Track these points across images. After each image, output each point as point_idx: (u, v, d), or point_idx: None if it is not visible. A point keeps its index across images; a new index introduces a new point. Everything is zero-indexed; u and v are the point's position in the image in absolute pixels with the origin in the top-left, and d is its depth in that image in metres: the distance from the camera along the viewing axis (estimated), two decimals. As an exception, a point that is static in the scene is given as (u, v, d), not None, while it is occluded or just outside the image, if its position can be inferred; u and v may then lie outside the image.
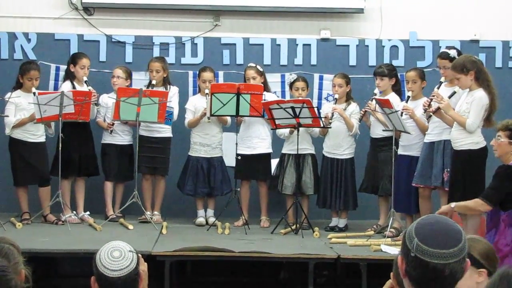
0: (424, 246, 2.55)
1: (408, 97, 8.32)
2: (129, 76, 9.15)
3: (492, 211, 6.31)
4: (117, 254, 3.21)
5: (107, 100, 8.99)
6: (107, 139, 9.11)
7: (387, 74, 8.58)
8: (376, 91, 8.62)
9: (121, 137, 9.11)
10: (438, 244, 2.54)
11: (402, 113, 8.09)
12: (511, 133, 6.22)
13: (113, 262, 3.18)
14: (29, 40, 9.65)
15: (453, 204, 6.45)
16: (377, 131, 8.55)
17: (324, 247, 7.79)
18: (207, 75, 8.99)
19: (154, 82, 8.97)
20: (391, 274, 3.11)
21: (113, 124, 8.90)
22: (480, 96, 7.29)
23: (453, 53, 8.08)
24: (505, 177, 6.15)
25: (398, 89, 8.72)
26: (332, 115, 8.67)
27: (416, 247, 2.56)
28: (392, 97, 8.44)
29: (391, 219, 8.09)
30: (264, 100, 8.67)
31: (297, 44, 9.85)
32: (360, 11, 9.74)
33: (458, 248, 2.55)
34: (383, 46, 9.85)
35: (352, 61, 9.83)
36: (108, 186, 9.15)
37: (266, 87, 9.00)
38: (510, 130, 6.23)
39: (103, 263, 3.19)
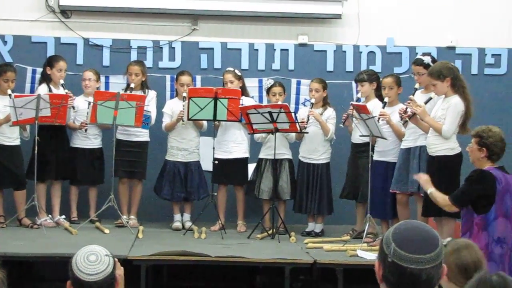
0: (401, 251, 2.57)
1: (385, 102, 8.35)
2: (99, 78, 9.12)
3: (466, 214, 6.37)
4: (93, 258, 3.20)
5: (81, 103, 8.92)
6: (76, 143, 9.05)
7: (367, 79, 8.61)
8: (359, 95, 8.66)
9: (90, 141, 9.06)
10: (415, 250, 2.56)
11: (379, 119, 8.12)
12: (480, 139, 6.29)
13: (89, 266, 3.18)
14: (5, 43, 9.59)
15: (429, 190, 6.54)
16: (357, 136, 8.56)
17: (301, 252, 7.80)
18: (185, 78, 8.99)
19: (132, 85, 8.94)
20: None
21: (86, 124, 8.85)
22: (455, 103, 7.34)
23: (427, 59, 8.12)
24: (475, 181, 6.23)
25: (381, 93, 8.74)
26: (308, 119, 8.69)
27: (393, 253, 2.58)
28: (375, 103, 8.47)
29: (367, 224, 8.12)
30: (242, 104, 8.67)
31: (274, 49, 9.87)
32: (338, 17, 9.77)
33: (435, 254, 2.57)
34: (361, 52, 9.89)
35: (330, 66, 9.86)
36: (73, 190, 9.12)
37: (244, 92, 9.01)
38: (479, 136, 6.31)
39: (79, 267, 3.18)
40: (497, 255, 6.16)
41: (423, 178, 6.73)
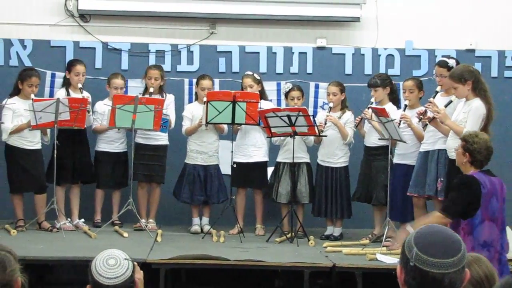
0: (423, 255, 2.55)
1: (405, 105, 8.31)
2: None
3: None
4: (112, 262, 3.20)
5: (104, 107, 8.96)
6: (102, 146, 9.10)
7: (380, 84, 8.57)
8: (373, 99, 8.63)
9: (116, 145, 9.10)
10: (437, 254, 2.54)
11: (400, 121, 8.07)
12: (465, 144, 6.25)
13: (108, 270, 3.18)
14: (24, 47, 9.63)
15: (408, 227, 6.45)
16: (372, 140, 8.55)
17: (320, 256, 7.78)
18: (206, 83, 8.99)
19: (151, 89, 8.96)
20: None
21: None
22: (477, 106, 7.30)
23: (452, 62, 8.09)
24: (461, 188, 6.15)
25: (395, 97, 8.71)
26: (325, 123, 8.66)
27: (415, 257, 2.56)
28: (389, 107, 8.43)
29: (386, 228, 8.08)
30: (260, 108, 8.66)
31: (293, 52, 9.86)
32: (356, 19, 9.74)
33: (458, 258, 2.55)
34: (379, 55, 9.86)
35: (348, 69, 9.84)
36: (99, 193, 9.15)
37: (263, 95, 9.00)
38: (465, 141, 6.27)
39: (99, 271, 3.18)
40: None
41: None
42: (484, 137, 6.24)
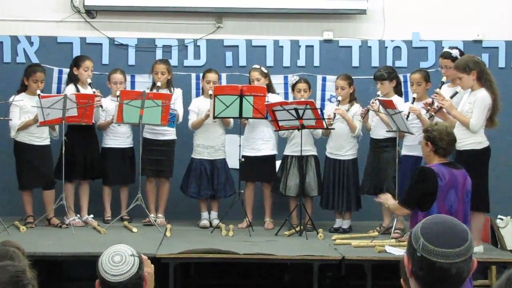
0: (430, 245, 2.54)
1: (414, 98, 8.30)
2: (125, 77, 9.17)
3: (413, 211, 6.36)
4: (117, 259, 3.19)
5: (110, 103, 8.97)
6: (108, 143, 9.11)
7: (387, 77, 8.57)
8: (379, 92, 8.62)
9: (122, 140, 9.11)
10: (444, 244, 2.54)
11: (409, 114, 8.06)
12: (426, 133, 6.28)
13: (113, 267, 3.17)
14: (31, 44, 9.65)
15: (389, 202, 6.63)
16: (379, 132, 8.54)
17: (329, 249, 7.79)
18: (212, 76, 8.99)
19: (159, 84, 8.96)
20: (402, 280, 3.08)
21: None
22: (482, 96, 7.29)
23: (455, 53, 8.09)
24: (416, 180, 6.22)
25: (399, 89, 8.71)
26: (334, 116, 8.66)
27: (422, 247, 2.55)
28: (395, 99, 8.42)
29: (395, 220, 8.08)
30: (268, 101, 8.66)
31: (299, 46, 9.84)
32: (363, 12, 9.73)
33: (465, 247, 2.55)
34: (386, 47, 9.84)
35: (355, 62, 9.82)
36: (106, 190, 9.17)
37: (270, 89, 9.00)
38: (426, 131, 6.31)
39: (104, 268, 3.18)
40: None
41: (384, 198, 6.79)
42: (444, 124, 6.30)
